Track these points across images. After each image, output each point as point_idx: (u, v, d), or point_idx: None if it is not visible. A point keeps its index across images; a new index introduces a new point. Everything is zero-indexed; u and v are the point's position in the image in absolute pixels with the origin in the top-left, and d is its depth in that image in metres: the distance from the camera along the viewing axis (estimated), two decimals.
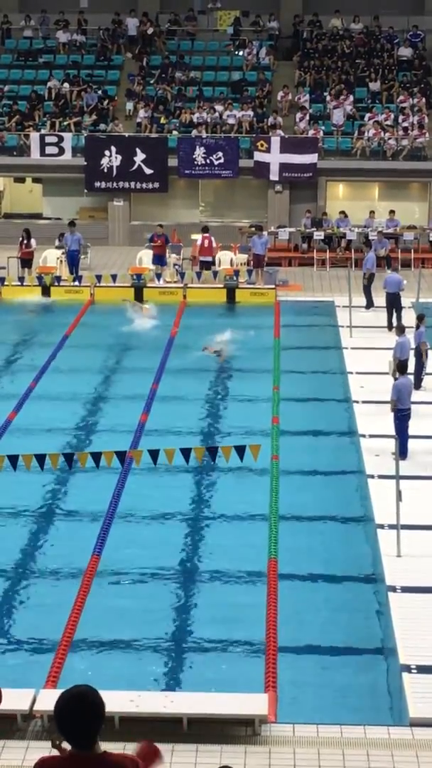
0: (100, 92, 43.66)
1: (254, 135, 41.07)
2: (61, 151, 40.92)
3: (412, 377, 22.81)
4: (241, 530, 18.61)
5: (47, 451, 17.81)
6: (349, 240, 37.93)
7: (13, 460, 17.07)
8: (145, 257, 36.15)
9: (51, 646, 14.66)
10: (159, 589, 16.55)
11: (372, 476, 19.67)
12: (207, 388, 25.64)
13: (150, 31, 46.11)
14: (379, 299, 30.24)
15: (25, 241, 34.96)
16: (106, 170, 40.66)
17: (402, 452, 19.33)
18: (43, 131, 41.56)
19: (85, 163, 40.76)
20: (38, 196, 43.35)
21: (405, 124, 41.16)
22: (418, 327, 24.56)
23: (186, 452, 17.21)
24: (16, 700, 12.85)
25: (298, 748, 12.31)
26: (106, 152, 40.58)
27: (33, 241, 35.04)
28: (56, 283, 33.71)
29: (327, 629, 15.48)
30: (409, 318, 27.80)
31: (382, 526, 17.54)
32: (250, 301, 33.08)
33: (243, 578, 16.87)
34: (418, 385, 23.55)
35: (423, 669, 13.68)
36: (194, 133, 41.11)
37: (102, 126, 42.10)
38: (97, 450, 18.20)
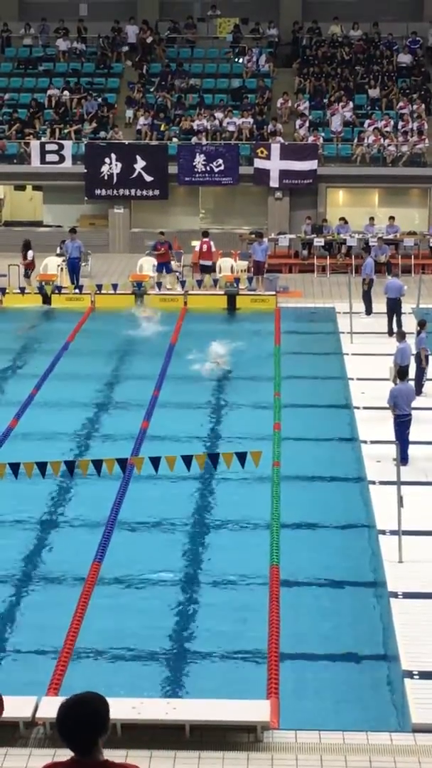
0: (100, 100, 43.71)
1: (254, 142, 41.12)
2: (62, 159, 40.96)
3: (412, 383, 22.81)
4: (243, 537, 18.62)
5: (48, 458, 17.80)
6: (349, 246, 37.95)
7: (15, 467, 17.07)
8: (145, 264, 36.19)
9: (53, 654, 14.65)
10: (160, 596, 16.55)
11: (373, 482, 19.67)
12: (208, 394, 25.65)
13: (150, 38, 46.17)
14: (379, 305, 30.25)
15: (23, 253, 35.00)
16: (106, 178, 40.70)
17: (403, 458, 19.32)
18: (43, 139, 41.60)
19: (86, 171, 40.80)
20: (38, 203, 43.41)
21: (404, 130, 41.17)
22: (419, 333, 24.58)
23: (187, 459, 17.21)
24: (19, 708, 12.85)
25: (300, 755, 12.30)
26: (107, 160, 40.63)
27: (30, 253, 35.00)
28: (57, 291, 33.73)
29: (329, 635, 15.47)
30: (409, 324, 27.82)
31: (383, 532, 17.53)
32: (251, 308, 33.10)
33: (245, 585, 16.86)
34: (419, 390, 23.54)
35: (425, 675, 13.67)
36: (194, 140, 41.16)
37: (102, 134, 42.14)
38: (99, 457, 18.19)
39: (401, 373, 21.82)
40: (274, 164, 40.13)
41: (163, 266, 35.62)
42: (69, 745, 6.03)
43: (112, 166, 40.59)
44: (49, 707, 12.54)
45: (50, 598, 16.56)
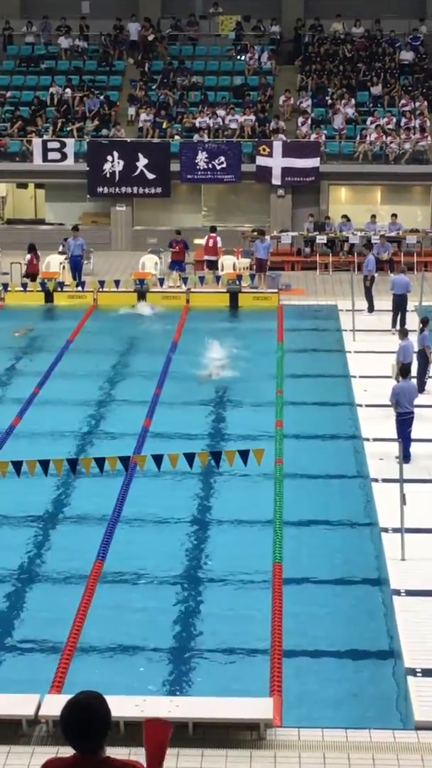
0: (102, 98, 43.70)
1: (256, 139, 41.11)
2: (64, 157, 40.97)
3: (415, 381, 22.80)
4: (246, 534, 18.62)
5: (51, 456, 17.81)
6: (351, 244, 37.92)
7: (17, 465, 17.06)
8: (148, 262, 36.20)
9: (56, 651, 14.66)
10: (163, 594, 16.55)
11: (376, 480, 19.67)
12: (210, 392, 25.64)
13: (151, 36, 46.17)
14: (382, 302, 30.22)
15: (28, 256, 34.93)
16: (108, 175, 40.70)
17: (405, 456, 19.32)
18: (45, 137, 41.60)
19: (88, 169, 40.80)
20: (41, 201, 43.42)
21: (407, 128, 41.13)
22: (422, 330, 24.56)
23: (190, 457, 17.20)
24: (21, 706, 12.87)
25: (303, 753, 12.30)
26: (109, 157, 40.62)
27: (28, 256, 34.85)
28: (59, 289, 33.73)
29: (332, 633, 15.46)
30: (412, 321, 27.80)
31: (386, 530, 17.53)
32: (253, 306, 33.09)
33: (248, 582, 16.86)
34: (421, 388, 23.53)
35: (428, 672, 13.67)
36: (196, 137, 41.15)
37: (104, 131, 42.13)
38: (101, 455, 18.19)
39: (404, 370, 21.79)
40: (277, 162, 40.13)
41: (176, 264, 35.63)
42: (76, 746, 6.04)
43: (114, 164, 40.59)
44: (52, 705, 12.55)
45: (53, 596, 16.56)
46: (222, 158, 40.35)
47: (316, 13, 46.68)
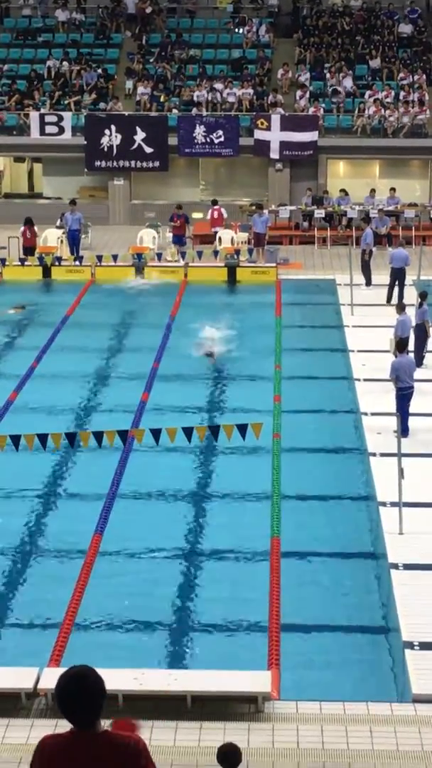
0: (99, 71, 43.51)
1: (254, 113, 40.95)
2: (61, 131, 40.80)
3: (412, 355, 22.79)
4: (244, 508, 18.65)
5: (49, 430, 17.82)
6: (349, 218, 37.84)
7: (16, 439, 17.08)
8: (145, 236, 36.12)
9: (54, 625, 14.70)
10: (162, 568, 16.59)
11: (374, 454, 19.68)
12: (208, 366, 25.62)
13: (149, 9, 45.92)
14: (379, 277, 30.17)
15: (21, 229, 34.85)
16: (106, 149, 40.55)
17: (403, 430, 19.34)
18: (42, 110, 41.43)
19: (85, 143, 40.65)
20: (37, 175, 43.30)
21: (405, 101, 40.98)
22: (420, 305, 24.54)
23: (188, 431, 17.21)
24: (20, 679, 12.92)
25: (301, 725, 12.36)
26: (106, 131, 40.47)
27: (22, 228, 34.75)
28: (57, 263, 33.67)
29: (329, 607, 15.52)
30: (409, 295, 27.77)
31: (384, 504, 17.56)
32: (251, 280, 33.04)
33: (246, 556, 16.90)
34: (419, 362, 23.53)
35: (425, 646, 13.72)
36: (194, 111, 40.99)
37: (102, 105, 41.97)
38: (99, 429, 18.20)
39: (400, 345, 21.77)
40: (275, 135, 39.98)
41: (178, 238, 35.56)
42: (72, 719, 6.07)
43: (111, 138, 40.44)
44: (51, 678, 12.58)
45: (51, 570, 16.59)
46: (220, 132, 40.21)
47: None
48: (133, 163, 40.60)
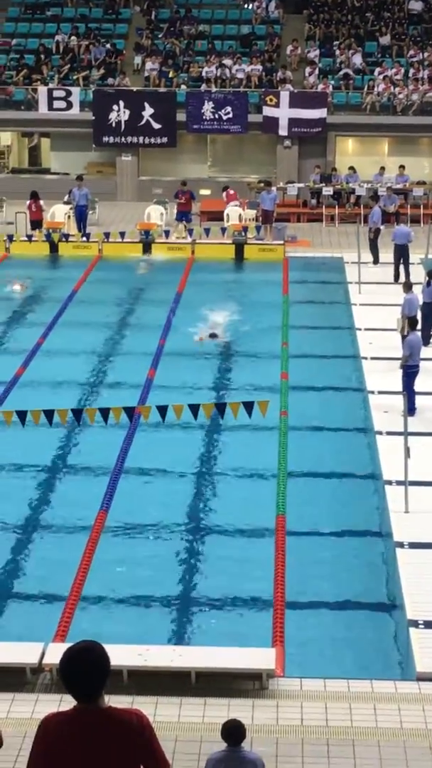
0: (108, 46, 43.33)
1: (263, 90, 40.80)
2: (69, 106, 40.68)
3: (419, 333, 22.75)
4: (250, 486, 18.65)
5: (55, 406, 17.81)
6: (358, 196, 37.73)
7: (22, 415, 17.08)
8: (153, 213, 36.03)
9: (59, 600, 14.73)
10: (167, 544, 16.61)
11: (380, 433, 19.66)
12: (215, 343, 25.59)
13: None
14: (389, 255, 30.10)
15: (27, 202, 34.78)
16: (114, 125, 40.44)
17: (410, 409, 19.31)
18: (50, 85, 41.30)
19: (93, 118, 40.53)
20: (45, 150, 43.20)
21: (415, 78, 40.79)
22: (428, 284, 24.47)
23: (194, 408, 17.20)
24: (26, 654, 12.96)
25: (305, 702, 12.39)
26: (114, 107, 40.34)
27: (27, 202, 34.70)
28: (64, 240, 33.60)
29: (334, 585, 15.53)
30: (417, 274, 27.71)
31: (390, 483, 17.55)
32: (259, 257, 32.98)
33: (251, 534, 16.91)
34: (426, 341, 23.49)
35: (430, 624, 13.73)
36: (203, 87, 40.84)
37: (110, 80, 41.82)
38: (106, 406, 18.19)
39: (413, 322, 21.69)
40: (283, 112, 39.84)
41: (183, 215, 35.46)
42: (75, 693, 6.08)
43: (120, 113, 40.32)
44: (56, 653, 12.59)
45: (57, 546, 16.62)
46: (228, 108, 40.06)
47: None
48: (141, 139, 40.48)
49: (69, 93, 40.80)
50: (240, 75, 41.56)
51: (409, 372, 20.56)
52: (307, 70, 41.61)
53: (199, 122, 40.24)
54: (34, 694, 12.52)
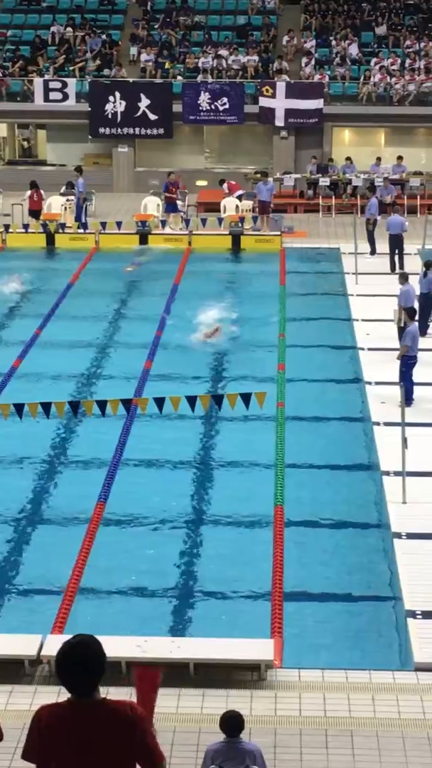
0: (104, 37, 43.24)
1: (259, 80, 40.74)
2: (65, 97, 40.64)
3: (417, 324, 22.74)
4: (247, 477, 18.66)
5: (52, 398, 17.80)
6: (354, 186, 37.70)
7: (19, 408, 17.05)
8: (150, 204, 35.97)
9: (58, 592, 14.74)
10: (165, 536, 16.61)
11: (378, 423, 19.66)
12: (214, 325, 25.52)
13: None
14: (385, 245, 30.07)
15: (28, 193, 34.71)
16: (110, 116, 40.38)
17: (407, 399, 19.31)
18: (46, 77, 41.22)
19: (89, 109, 40.46)
20: (41, 142, 43.14)
21: (412, 68, 40.73)
22: (425, 275, 24.46)
23: (191, 400, 17.19)
24: (24, 646, 12.95)
25: (303, 693, 12.40)
26: (111, 98, 40.29)
27: (28, 192, 34.68)
28: (61, 231, 33.55)
29: (333, 576, 15.54)
30: (414, 264, 27.69)
31: (387, 473, 17.56)
32: (256, 248, 32.95)
33: (249, 525, 16.92)
34: (423, 332, 23.49)
35: (428, 614, 13.75)
36: (199, 78, 40.77)
37: (106, 71, 41.74)
38: (103, 397, 18.18)
39: (412, 313, 21.66)
40: (280, 103, 39.80)
41: (170, 207, 35.40)
42: (71, 687, 6.08)
43: (116, 105, 40.26)
44: (54, 645, 12.59)
45: (55, 537, 16.62)
46: (225, 99, 40.01)
47: None
48: (137, 130, 40.43)
49: (65, 84, 40.75)
50: (236, 66, 41.49)
51: (409, 363, 20.56)
52: (304, 60, 41.55)
53: (195, 113, 40.18)
54: (32, 686, 12.53)
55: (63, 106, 40.62)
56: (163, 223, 34.21)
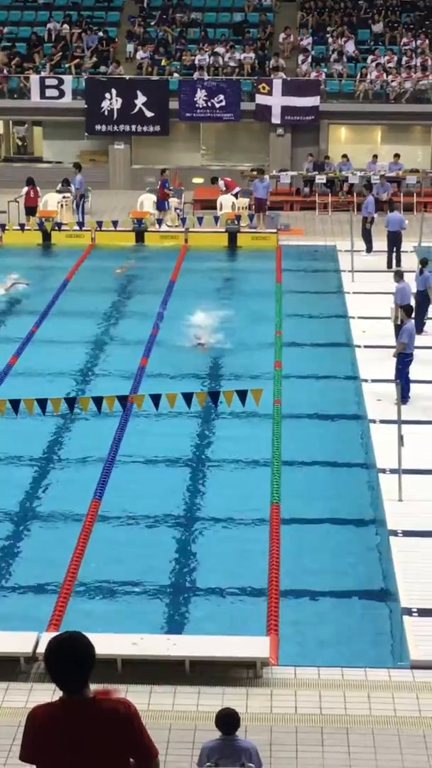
0: (100, 34, 43.20)
1: (256, 77, 40.71)
2: (62, 94, 40.59)
3: (413, 321, 22.73)
4: (243, 475, 18.64)
5: (49, 395, 17.78)
6: (351, 184, 37.68)
7: (15, 404, 17.05)
8: (146, 201, 35.94)
9: (53, 590, 14.72)
10: (161, 533, 16.60)
11: (374, 421, 19.66)
12: (208, 332, 25.54)
13: None
14: (380, 243, 30.07)
15: (25, 189, 34.68)
16: (106, 113, 40.35)
17: (404, 397, 19.31)
18: (43, 74, 41.18)
19: (86, 106, 40.43)
20: (38, 139, 43.10)
21: (408, 66, 40.71)
22: (421, 272, 24.47)
23: (188, 396, 17.18)
24: (20, 643, 12.94)
25: (299, 690, 12.39)
26: (107, 95, 40.25)
27: (25, 189, 34.65)
28: (57, 228, 33.51)
29: (329, 573, 15.53)
30: (410, 262, 27.68)
31: (383, 471, 17.55)
32: (252, 246, 32.93)
33: (245, 522, 16.91)
34: (420, 329, 23.48)
35: (424, 612, 13.74)
36: (195, 75, 40.74)
37: (102, 68, 41.71)
38: (99, 394, 18.16)
39: (408, 310, 21.65)
40: (276, 100, 39.77)
41: (162, 203, 35.36)
42: (61, 683, 6.07)
43: (112, 102, 40.23)
44: None
45: (51, 535, 16.60)
46: (221, 96, 39.98)
47: None
48: (133, 127, 40.40)
49: (61, 81, 40.70)
50: (233, 63, 41.46)
51: (405, 360, 20.56)
52: (300, 57, 41.52)
53: (191, 110, 40.15)
54: (28, 683, 12.52)
55: (59, 103, 40.58)
56: (160, 221, 34.15)
